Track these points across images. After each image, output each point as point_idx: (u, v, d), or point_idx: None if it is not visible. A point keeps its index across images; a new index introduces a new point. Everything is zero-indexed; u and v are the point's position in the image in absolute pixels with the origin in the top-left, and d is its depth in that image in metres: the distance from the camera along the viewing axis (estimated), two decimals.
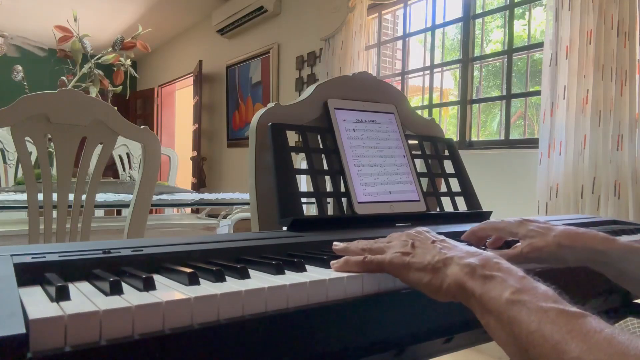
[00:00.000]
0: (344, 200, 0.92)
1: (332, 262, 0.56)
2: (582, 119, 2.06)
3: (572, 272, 0.67)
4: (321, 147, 0.97)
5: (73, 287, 0.45)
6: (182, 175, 4.61)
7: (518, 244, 0.67)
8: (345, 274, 0.50)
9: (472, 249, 0.51)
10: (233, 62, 5.13)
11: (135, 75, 2.68)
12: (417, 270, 0.50)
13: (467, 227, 0.76)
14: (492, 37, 3.32)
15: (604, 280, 0.69)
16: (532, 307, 0.40)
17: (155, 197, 1.81)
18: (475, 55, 2.87)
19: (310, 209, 2.27)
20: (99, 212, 2.48)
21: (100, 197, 1.73)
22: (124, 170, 2.95)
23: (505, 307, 0.41)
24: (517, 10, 2.75)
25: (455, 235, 0.68)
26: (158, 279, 0.49)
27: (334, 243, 0.62)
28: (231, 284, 0.45)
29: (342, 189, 0.92)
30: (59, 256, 0.50)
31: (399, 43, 3.46)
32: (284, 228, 0.82)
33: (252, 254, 0.61)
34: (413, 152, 1.06)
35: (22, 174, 1.43)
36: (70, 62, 2.39)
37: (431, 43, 3.17)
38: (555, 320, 0.38)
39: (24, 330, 0.31)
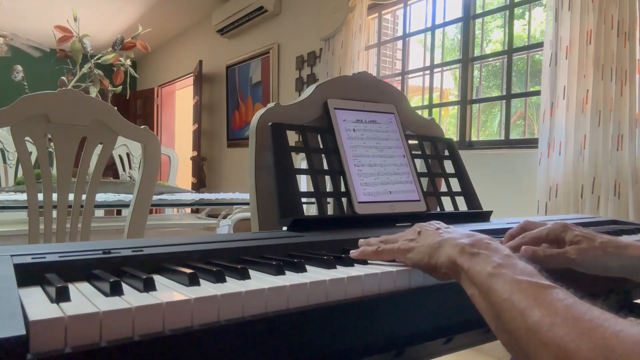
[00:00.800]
0: (344, 200, 0.92)
1: (351, 251, 0.62)
2: (582, 119, 2.06)
3: (575, 274, 0.67)
4: (321, 147, 0.97)
5: (73, 288, 0.45)
6: (182, 175, 4.61)
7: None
8: (345, 275, 0.50)
9: (470, 232, 0.56)
10: (233, 62, 5.13)
11: (135, 75, 2.68)
12: (419, 252, 0.56)
13: (468, 227, 0.75)
14: (492, 37, 3.32)
15: (604, 281, 0.69)
16: (507, 279, 0.45)
17: (155, 197, 1.81)
18: (475, 55, 2.86)
19: (310, 209, 2.27)
20: (99, 212, 2.48)
21: (100, 197, 1.73)
22: (124, 170, 2.95)
23: (486, 279, 0.46)
24: (517, 10, 2.75)
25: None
26: (158, 279, 0.49)
27: (360, 240, 0.66)
28: (231, 285, 0.45)
29: (342, 189, 0.92)
30: (59, 256, 0.50)
31: (399, 43, 3.46)
32: (284, 228, 0.82)
33: (252, 254, 0.61)
34: (413, 152, 1.06)
35: (22, 174, 1.43)
36: (70, 62, 2.39)
37: (431, 43, 3.17)
38: (525, 290, 0.42)
39: (23, 332, 0.31)
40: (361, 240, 0.66)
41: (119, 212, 2.87)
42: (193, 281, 0.45)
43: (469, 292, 0.49)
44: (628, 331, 0.35)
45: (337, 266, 0.56)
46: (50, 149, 1.69)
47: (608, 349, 0.34)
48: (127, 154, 2.96)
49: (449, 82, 3.48)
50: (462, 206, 1.09)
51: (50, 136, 1.34)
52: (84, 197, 1.39)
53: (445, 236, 0.55)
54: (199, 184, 5.50)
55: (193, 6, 5.37)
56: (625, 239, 0.83)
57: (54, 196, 1.33)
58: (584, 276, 0.67)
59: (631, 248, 0.65)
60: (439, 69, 3.15)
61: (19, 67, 2.45)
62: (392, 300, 0.53)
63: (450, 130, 3.28)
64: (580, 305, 0.39)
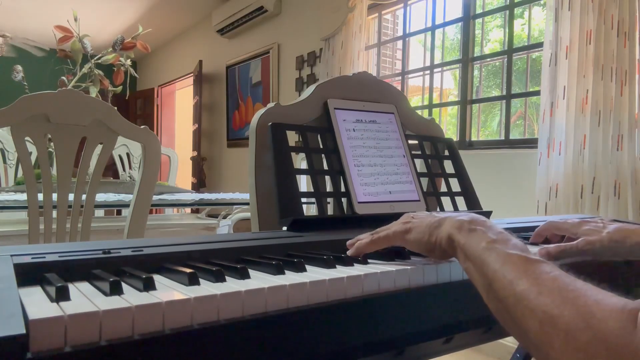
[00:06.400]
0: (344, 200, 0.92)
1: (348, 252, 0.63)
2: (581, 119, 2.06)
3: (576, 273, 0.68)
4: (321, 147, 0.97)
5: (73, 288, 0.45)
6: (182, 175, 4.61)
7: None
8: (345, 275, 0.50)
9: (465, 213, 0.59)
10: (233, 62, 5.13)
11: (135, 75, 2.68)
12: (418, 232, 0.59)
13: None
14: (491, 36, 3.32)
15: (604, 281, 0.70)
16: (500, 252, 0.48)
17: (155, 197, 1.81)
18: (475, 55, 2.86)
19: (310, 209, 2.27)
20: (99, 212, 2.48)
21: (100, 197, 1.73)
22: (124, 170, 2.95)
23: (480, 253, 0.49)
24: (517, 10, 2.75)
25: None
26: (158, 279, 0.49)
27: (348, 242, 0.67)
28: (231, 284, 0.45)
29: (342, 189, 0.92)
30: (59, 256, 0.50)
31: (399, 43, 3.46)
32: (284, 228, 0.82)
33: (252, 254, 0.61)
34: (413, 152, 1.06)
35: (22, 174, 1.43)
36: (70, 62, 2.39)
37: (431, 43, 3.17)
38: (515, 262, 0.46)
39: (23, 331, 0.31)
40: (350, 241, 0.66)
41: (119, 212, 2.87)
42: (193, 281, 0.45)
43: (463, 265, 0.52)
44: (608, 300, 0.38)
45: (337, 266, 0.56)
46: (50, 149, 1.69)
47: (588, 314, 0.37)
48: (127, 154, 2.96)
49: (448, 82, 3.48)
50: (462, 206, 1.09)
51: (50, 136, 1.34)
52: (84, 197, 1.39)
53: (443, 216, 0.58)
54: (199, 184, 5.50)
55: (193, 6, 5.37)
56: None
57: (54, 196, 1.33)
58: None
59: (635, 233, 0.72)
60: (439, 69, 3.15)
61: (19, 67, 2.45)
62: (392, 299, 0.53)
63: (450, 130, 3.28)
64: (565, 277, 0.42)
